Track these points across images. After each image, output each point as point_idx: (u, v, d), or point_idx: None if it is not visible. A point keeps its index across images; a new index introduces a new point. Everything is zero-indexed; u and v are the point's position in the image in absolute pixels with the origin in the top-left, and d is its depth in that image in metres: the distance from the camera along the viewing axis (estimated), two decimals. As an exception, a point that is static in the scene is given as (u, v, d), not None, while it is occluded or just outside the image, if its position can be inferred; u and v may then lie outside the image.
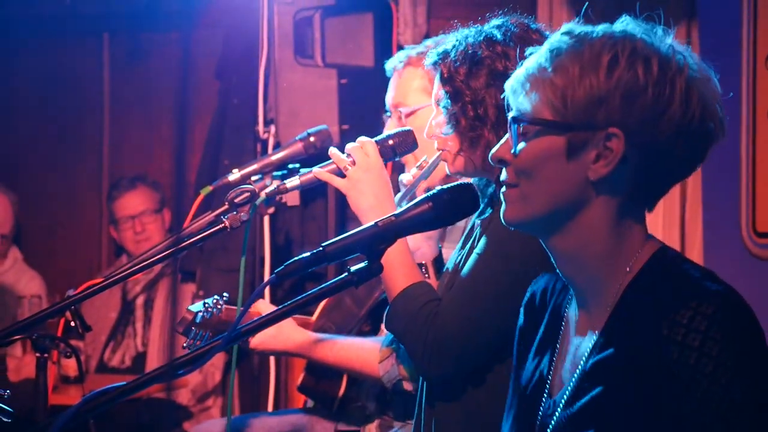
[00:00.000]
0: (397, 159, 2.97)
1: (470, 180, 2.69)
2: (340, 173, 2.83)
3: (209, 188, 3.42)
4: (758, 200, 3.89)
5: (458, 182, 2.08)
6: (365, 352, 3.27)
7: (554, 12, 5.11)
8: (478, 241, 2.64)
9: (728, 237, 4.00)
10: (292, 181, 2.91)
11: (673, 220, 4.77)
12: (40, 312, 2.80)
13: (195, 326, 3.19)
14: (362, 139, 2.87)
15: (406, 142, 2.93)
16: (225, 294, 3.25)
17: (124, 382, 1.96)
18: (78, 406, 1.91)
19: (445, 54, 2.70)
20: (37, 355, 2.81)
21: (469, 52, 2.65)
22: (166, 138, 6.40)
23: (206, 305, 3.19)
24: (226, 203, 3.05)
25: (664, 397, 1.86)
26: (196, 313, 3.19)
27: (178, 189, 4.91)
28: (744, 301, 1.90)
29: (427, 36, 5.35)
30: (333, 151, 2.87)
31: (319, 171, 2.86)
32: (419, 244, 2.92)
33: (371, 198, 2.75)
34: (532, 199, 1.98)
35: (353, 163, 2.82)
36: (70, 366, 5.00)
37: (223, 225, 3.00)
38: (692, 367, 1.83)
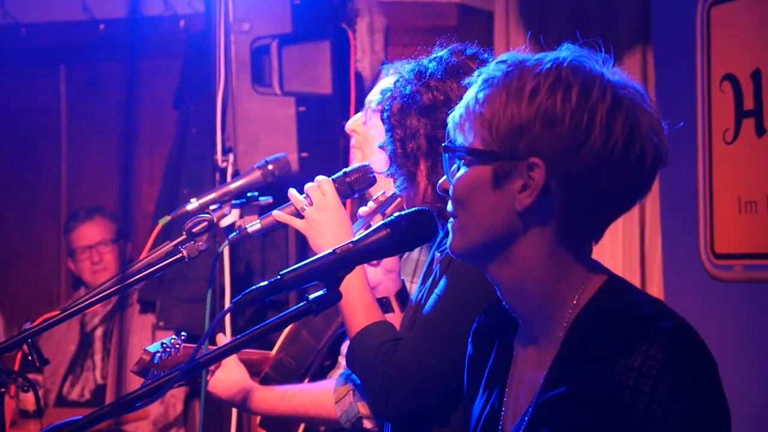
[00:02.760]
0: (356, 196, 2.96)
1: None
2: (299, 214, 2.83)
3: (168, 218, 3.40)
4: (716, 222, 3.92)
5: (416, 208, 2.08)
6: (319, 395, 3.18)
7: (511, 38, 5.14)
8: (440, 277, 2.63)
9: (688, 259, 4.02)
10: (254, 226, 2.92)
11: (633, 244, 4.80)
12: (-5, 346, 2.77)
13: (152, 367, 3.14)
14: (319, 178, 2.87)
15: (365, 178, 2.93)
16: (183, 333, 3.22)
17: (82, 416, 1.93)
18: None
19: (385, 92, 2.73)
20: (-6, 389, 2.78)
21: (401, 88, 2.68)
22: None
23: (164, 345, 3.14)
24: (184, 233, 3.04)
25: None
26: (154, 353, 3.14)
27: (129, 219, 4.88)
28: (694, 336, 1.88)
29: (385, 63, 5.36)
30: (291, 192, 2.88)
31: (278, 213, 2.88)
32: (380, 279, 2.91)
33: (330, 237, 2.76)
34: (467, 229, 1.99)
35: (310, 203, 2.82)
36: (29, 400, 4.94)
37: (181, 255, 2.98)
38: (643, 413, 1.81)
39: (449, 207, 2.04)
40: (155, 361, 3.11)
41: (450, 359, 2.53)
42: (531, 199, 1.92)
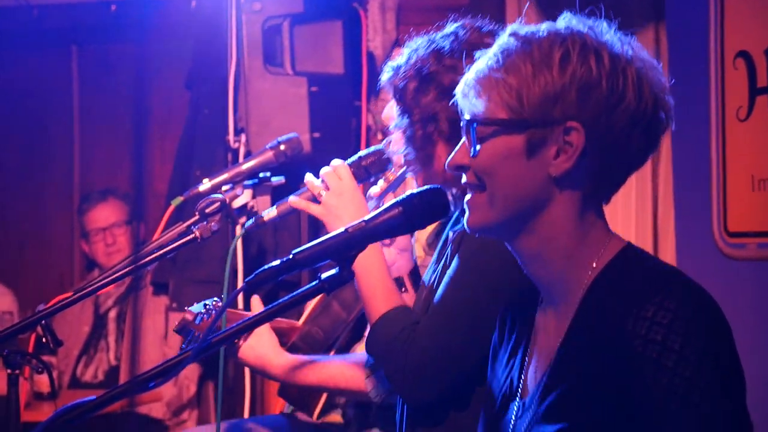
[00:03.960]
0: (371, 179, 2.95)
1: None
2: (316, 199, 2.82)
3: (180, 199, 3.40)
4: (729, 200, 3.90)
5: (429, 186, 2.07)
6: (350, 368, 3.18)
7: (523, 16, 5.11)
8: (451, 258, 2.62)
9: (700, 238, 4.00)
10: (270, 213, 2.93)
11: (646, 223, 4.78)
12: (9, 327, 2.77)
13: (193, 327, 3.17)
14: (335, 162, 2.86)
15: (380, 161, 2.92)
16: (223, 296, 3.24)
17: (96, 396, 1.94)
18: (49, 422, 1.89)
19: (397, 69, 2.69)
20: (9, 371, 2.79)
21: (417, 67, 2.65)
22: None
23: (206, 306, 3.18)
24: (197, 213, 3.04)
25: (630, 390, 1.86)
26: (197, 314, 3.17)
27: (141, 200, 4.89)
28: (709, 296, 1.91)
29: (397, 42, 5.35)
30: (308, 177, 2.87)
31: (294, 199, 2.87)
32: (394, 258, 2.91)
33: (348, 222, 2.74)
34: (496, 201, 1.98)
35: (327, 188, 2.81)
36: (43, 382, 4.97)
37: (193, 235, 2.99)
38: (655, 360, 1.83)
39: (464, 180, 2.03)
40: (197, 322, 3.13)
41: (467, 343, 2.53)
42: (570, 163, 1.94)
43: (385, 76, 2.74)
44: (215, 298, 3.19)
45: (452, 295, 2.57)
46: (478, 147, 1.98)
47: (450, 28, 2.70)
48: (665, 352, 1.83)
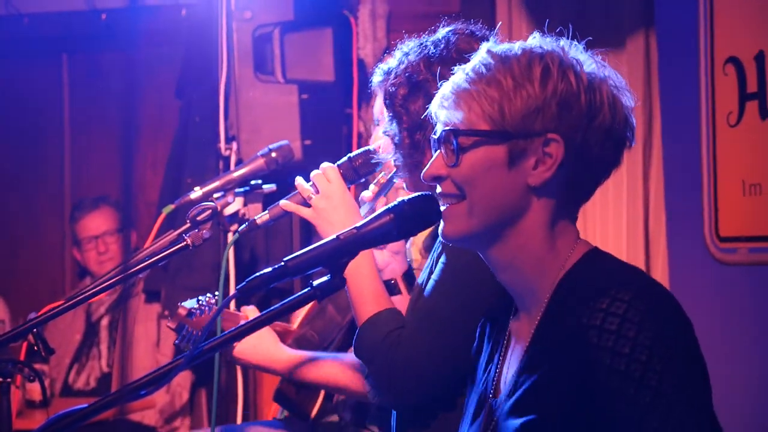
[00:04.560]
0: (362, 181, 2.96)
1: None
2: (306, 203, 2.83)
3: (171, 207, 3.40)
4: (720, 205, 3.91)
5: (419, 193, 2.08)
6: (351, 366, 3.20)
7: (513, 23, 5.13)
8: (436, 261, 2.63)
9: (692, 243, 4.01)
10: (262, 216, 2.94)
11: (637, 228, 4.79)
12: (1, 336, 2.77)
13: (187, 323, 3.17)
14: (324, 165, 2.87)
15: (370, 162, 2.93)
16: (217, 292, 3.24)
17: (88, 404, 1.94)
18: (41, 430, 1.89)
19: (388, 73, 2.70)
20: (0, 379, 2.78)
21: (408, 73, 2.66)
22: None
23: (199, 302, 3.18)
24: (188, 221, 3.04)
25: (590, 380, 1.90)
26: (189, 309, 3.17)
27: (132, 208, 4.90)
28: (666, 290, 1.96)
29: (387, 50, 5.35)
30: (298, 181, 2.88)
31: (285, 203, 2.88)
32: (387, 261, 2.92)
33: (338, 225, 2.75)
34: (476, 211, 2.03)
35: (317, 191, 2.82)
36: (35, 390, 4.96)
37: (185, 243, 2.99)
38: (611, 349, 1.87)
39: (440, 190, 2.07)
40: (190, 317, 3.13)
41: (451, 345, 2.53)
42: (549, 173, 1.99)
43: (376, 78, 2.75)
44: (209, 294, 3.20)
45: (436, 300, 2.58)
46: (459, 157, 2.02)
47: (441, 32, 2.71)
48: (620, 339, 1.87)
